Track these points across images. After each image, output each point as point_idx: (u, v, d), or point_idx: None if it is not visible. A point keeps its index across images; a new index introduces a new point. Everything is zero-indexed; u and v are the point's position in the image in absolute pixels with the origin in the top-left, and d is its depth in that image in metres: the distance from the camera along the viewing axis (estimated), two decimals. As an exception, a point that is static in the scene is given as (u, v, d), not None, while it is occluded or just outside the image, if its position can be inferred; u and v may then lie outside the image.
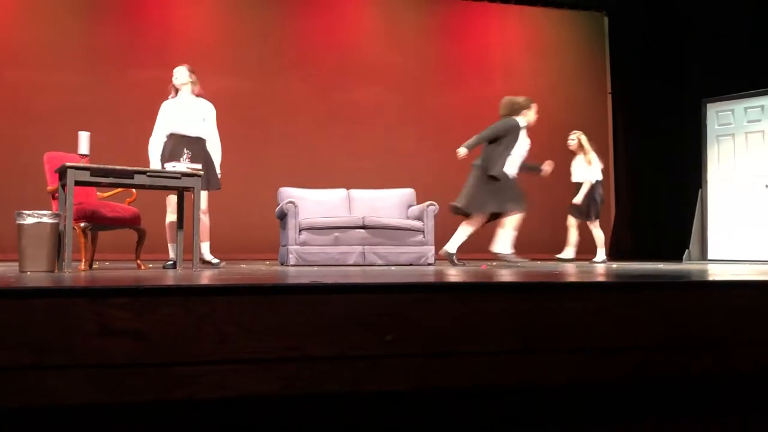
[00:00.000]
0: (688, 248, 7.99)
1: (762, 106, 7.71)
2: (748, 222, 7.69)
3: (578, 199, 7.44)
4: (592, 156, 7.55)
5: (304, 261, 6.36)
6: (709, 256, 7.97)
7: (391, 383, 1.73)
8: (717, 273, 3.63)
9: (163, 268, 5.02)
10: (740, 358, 1.98)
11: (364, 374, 1.72)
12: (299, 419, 1.75)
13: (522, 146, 6.20)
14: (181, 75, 5.59)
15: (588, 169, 7.52)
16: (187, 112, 5.48)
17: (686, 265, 6.36)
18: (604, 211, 9.82)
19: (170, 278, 2.96)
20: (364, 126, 8.90)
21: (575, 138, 7.65)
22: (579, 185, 7.49)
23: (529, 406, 1.88)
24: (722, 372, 1.97)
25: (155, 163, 5.37)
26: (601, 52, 10.00)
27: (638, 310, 1.93)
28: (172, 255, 5.31)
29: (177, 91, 5.59)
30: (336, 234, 6.53)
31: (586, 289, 1.98)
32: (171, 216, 5.36)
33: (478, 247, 8.79)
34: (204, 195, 5.23)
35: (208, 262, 5.37)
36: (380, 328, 1.73)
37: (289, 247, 6.40)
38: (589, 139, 7.63)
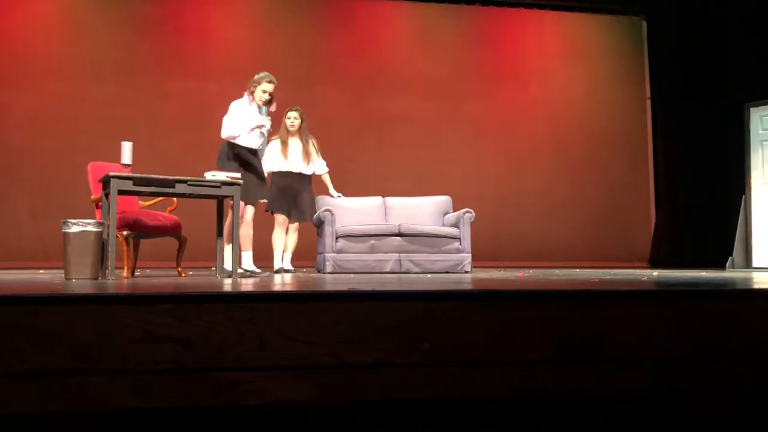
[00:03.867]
0: (731, 255, 7.82)
1: (809, 110, 7.52)
2: (795, 229, 7.50)
3: (335, 193, 6.61)
4: (315, 141, 6.34)
5: (340, 268, 6.39)
6: (754, 264, 7.78)
7: (428, 391, 1.74)
8: (762, 281, 3.54)
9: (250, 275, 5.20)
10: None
11: (401, 382, 1.72)
12: (338, 426, 1.76)
13: None
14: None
15: (319, 158, 6.32)
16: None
17: (730, 273, 6.22)
18: (646, 217, 9.67)
19: (212, 285, 3.00)
20: (400, 134, 8.92)
21: (297, 116, 6.18)
22: (303, 176, 6.18)
23: (567, 417, 1.86)
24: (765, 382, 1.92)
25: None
26: (639, 57, 9.86)
27: (679, 318, 1.90)
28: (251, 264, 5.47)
29: (253, 98, 5.43)
30: (372, 241, 6.55)
31: (625, 297, 1.95)
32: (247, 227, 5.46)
33: (517, 255, 8.75)
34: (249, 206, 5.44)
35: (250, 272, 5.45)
36: (417, 336, 1.74)
37: (326, 254, 6.44)
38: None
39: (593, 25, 9.75)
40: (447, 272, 6.51)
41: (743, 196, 7.94)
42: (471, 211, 6.88)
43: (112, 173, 4.36)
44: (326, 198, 6.85)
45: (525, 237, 8.88)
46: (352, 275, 5.59)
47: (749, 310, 1.98)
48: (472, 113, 9.16)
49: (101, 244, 4.02)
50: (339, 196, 6.70)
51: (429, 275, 5.64)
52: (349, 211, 6.85)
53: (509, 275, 5.30)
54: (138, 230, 4.83)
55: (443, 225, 7.00)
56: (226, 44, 8.74)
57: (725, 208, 8.29)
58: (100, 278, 4.00)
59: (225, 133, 5.37)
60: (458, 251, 6.71)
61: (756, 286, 2.74)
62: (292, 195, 6.11)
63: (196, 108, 8.39)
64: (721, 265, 7.80)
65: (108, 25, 8.32)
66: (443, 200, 7.32)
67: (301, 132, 6.19)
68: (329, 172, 6.56)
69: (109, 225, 4.22)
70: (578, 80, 9.55)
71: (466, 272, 6.53)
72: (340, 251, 6.47)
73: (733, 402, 1.92)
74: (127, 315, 1.63)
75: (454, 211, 7.11)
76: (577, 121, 9.40)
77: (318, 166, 6.36)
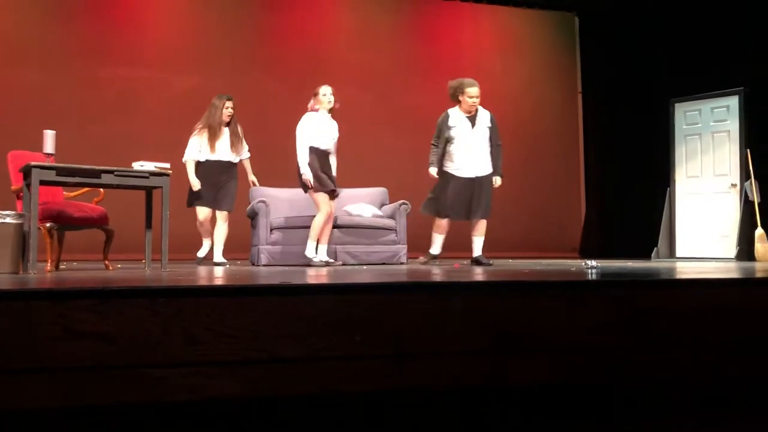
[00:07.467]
0: (656, 246, 8.11)
1: (728, 106, 7.83)
2: (714, 220, 7.82)
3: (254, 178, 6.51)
4: (240, 128, 6.44)
5: (275, 261, 6.32)
6: (677, 254, 8.09)
7: (361, 384, 1.73)
8: (684, 271, 3.68)
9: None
10: (710, 356, 2.01)
11: (333, 375, 1.70)
12: (272, 421, 1.74)
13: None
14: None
15: (243, 144, 6.36)
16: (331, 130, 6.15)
17: (654, 263, 6.45)
18: (577, 209, 9.93)
19: (138, 279, 2.91)
20: (336, 124, 8.86)
21: (232, 105, 6.22)
22: (231, 164, 6.23)
23: (500, 407, 1.88)
24: (690, 371, 1.99)
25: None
26: (571, 52, 10.09)
27: (607, 308, 1.95)
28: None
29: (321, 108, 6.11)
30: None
31: (555, 288, 1.99)
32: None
33: (452, 246, 8.83)
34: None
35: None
36: (350, 329, 1.73)
37: (260, 246, 6.35)
38: None
39: (527, 19, 9.92)
40: (383, 263, 6.53)
41: (668, 189, 8.23)
42: (407, 202, 6.92)
43: (33, 163, 4.19)
44: (261, 189, 6.74)
45: (460, 228, 8.95)
46: (286, 268, 5.54)
47: (672, 298, 2.04)
48: (409, 105, 9.18)
49: (22, 237, 3.85)
50: (255, 184, 6.54)
51: (365, 267, 5.64)
52: (285, 203, 6.78)
53: (444, 266, 5.35)
54: (62, 222, 4.66)
55: (380, 216, 7.00)
56: (160, 32, 8.50)
57: (651, 201, 8.59)
58: (21, 272, 3.83)
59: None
60: (394, 243, 6.73)
61: (679, 276, 2.84)
62: (218, 185, 6.13)
63: (125, 96, 8.14)
64: (646, 255, 8.08)
65: (34, 8, 7.97)
66: (380, 192, 7.33)
67: (232, 120, 6.22)
68: (250, 158, 6.51)
69: (30, 217, 4.05)
70: (512, 74, 9.70)
71: (401, 263, 6.56)
72: (275, 243, 6.39)
73: (657, 390, 1.98)
74: (46, 311, 1.56)
75: (390, 203, 7.12)
76: (511, 115, 9.54)
77: (243, 153, 6.38)
